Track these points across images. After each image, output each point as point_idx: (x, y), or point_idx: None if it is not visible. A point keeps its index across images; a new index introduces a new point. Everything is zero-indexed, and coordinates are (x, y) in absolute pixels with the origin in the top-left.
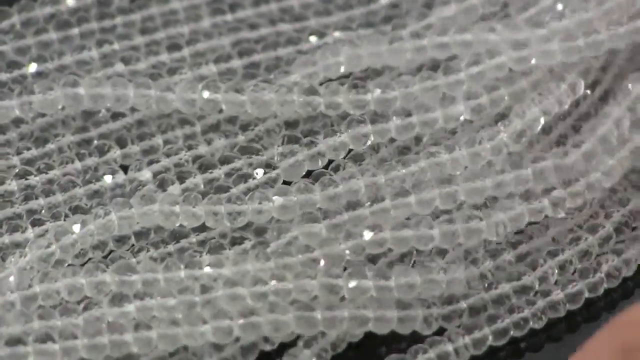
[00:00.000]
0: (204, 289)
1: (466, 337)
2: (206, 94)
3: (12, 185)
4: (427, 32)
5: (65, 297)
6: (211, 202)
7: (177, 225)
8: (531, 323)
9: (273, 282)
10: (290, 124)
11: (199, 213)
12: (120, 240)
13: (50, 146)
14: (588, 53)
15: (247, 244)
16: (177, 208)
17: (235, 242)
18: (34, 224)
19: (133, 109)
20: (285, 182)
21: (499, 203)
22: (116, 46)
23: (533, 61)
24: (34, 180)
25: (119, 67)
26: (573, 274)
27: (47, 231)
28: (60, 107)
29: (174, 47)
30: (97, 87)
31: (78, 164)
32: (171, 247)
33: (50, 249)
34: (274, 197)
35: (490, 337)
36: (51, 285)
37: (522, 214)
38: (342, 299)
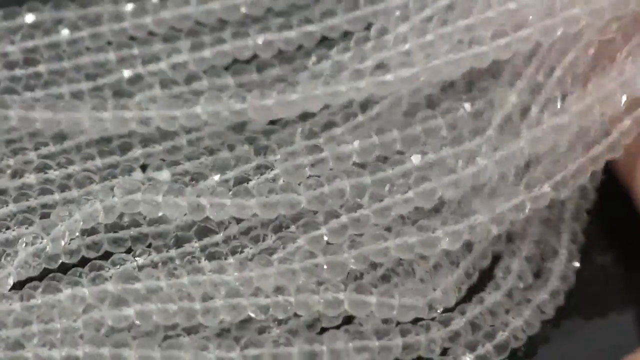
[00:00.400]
0: (205, 297)
1: (470, 355)
2: (233, 106)
3: (31, 178)
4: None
5: (69, 307)
6: (194, 193)
7: (160, 214)
8: (526, 332)
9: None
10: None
11: (182, 204)
12: (117, 242)
13: (69, 143)
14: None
15: (250, 250)
16: (159, 198)
17: (235, 250)
18: (44, 217)
19: None
20: None
21: (499, 192)
22: (136, 50)
23: (559, 31)
24: (52, 174)
25: (139, 69)
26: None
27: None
28: (85, 128)
29: (196, 47)
30: (122, 111)
31: (99, 161)
32: (173, 252)
33: (41, 243)
34: (256, 195)
35: (493, 352)
36: (53, 296)
37: (523, 202)
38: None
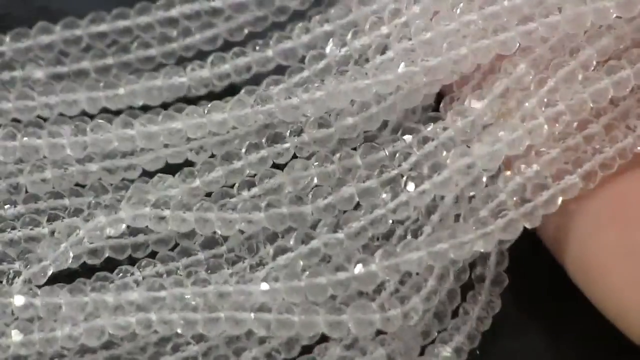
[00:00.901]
0: (211, 309)
1: (448, 347)
2: (261, 107)
3: (47, 173)
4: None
5: (93, 312)
6: (202, 209)
7: (168, 229)
8: (492, 312)
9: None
10: None
11: (189, 219)
12: (117, 249)
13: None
14: None
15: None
16: (166, 213)
17: (235, 262)
18: (53, 218)
19: None
20: None
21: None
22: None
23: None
24: (69, 170)
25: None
26: None
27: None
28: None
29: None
30: (149, 125)
31: (119, 162)
32: (179, 263)
33: (44, 262)
34: (264, 208)
35: (467, 342)
36: (77, 299)
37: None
38: None
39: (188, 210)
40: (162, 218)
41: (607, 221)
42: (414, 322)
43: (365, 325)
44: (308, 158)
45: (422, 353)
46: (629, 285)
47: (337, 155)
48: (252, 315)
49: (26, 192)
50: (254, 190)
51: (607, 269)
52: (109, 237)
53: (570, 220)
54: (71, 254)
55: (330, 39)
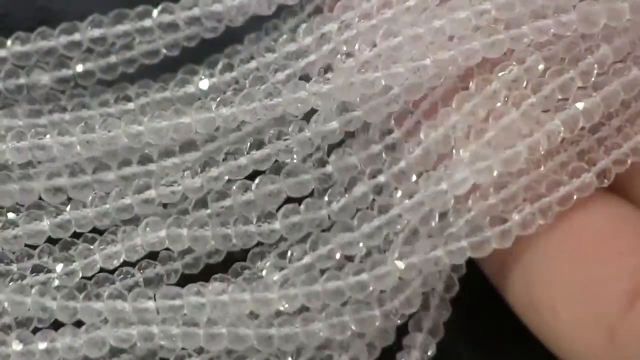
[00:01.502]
0: (211, 323)
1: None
2: (269, 101)
3: (62, 181)
4: None
5: (109, 318)
6: (220, 226)
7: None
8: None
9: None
10: None
11: (208, 237)
12: None
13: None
14: None
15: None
16: (184, 231)
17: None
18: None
19: None
20: None
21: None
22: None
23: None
24: (83, 179)
25: (169, 92)
26: None
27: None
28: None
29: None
30: (158, 120)
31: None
32: (179, 264)
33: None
34: (280, 216)
35: (438, 316)
36: (92, 304)
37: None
38: None
39: (205, 228)
40: (179, 236)
41: (558, 255)
42: (414, 310)
43: (367, 322)
44: (309, 156)
45: (397, 337)
46: (579, 322)
47: (333, 157)
48: (253, 331)
49: (39, 198)
50: (251, 195)
51: (557, 305)
52: None
53: (517, 254)
54: (80, 274)
55: (335, 24)
